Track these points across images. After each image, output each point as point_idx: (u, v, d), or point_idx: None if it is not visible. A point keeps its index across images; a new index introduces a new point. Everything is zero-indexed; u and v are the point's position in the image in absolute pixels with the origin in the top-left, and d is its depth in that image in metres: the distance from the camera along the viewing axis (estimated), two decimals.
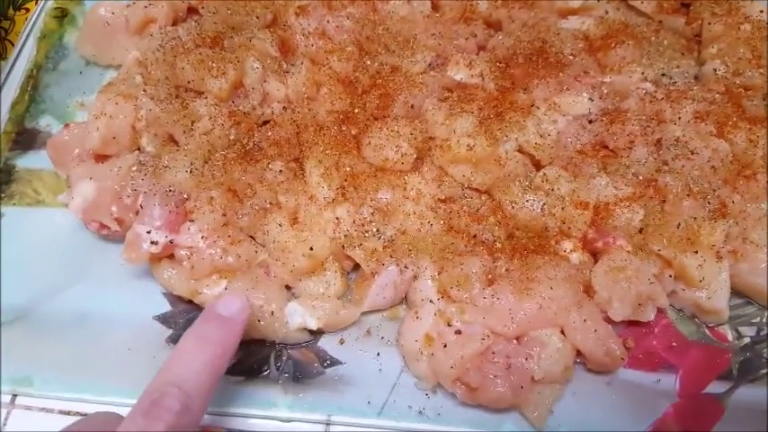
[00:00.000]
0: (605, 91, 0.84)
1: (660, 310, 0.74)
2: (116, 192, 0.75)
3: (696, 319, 0.75)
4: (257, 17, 0.90)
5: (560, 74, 0.83)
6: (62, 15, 1.00)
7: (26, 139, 0.88)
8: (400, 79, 0.84)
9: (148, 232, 0.72)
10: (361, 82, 0.85)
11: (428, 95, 0.84)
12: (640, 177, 0.78)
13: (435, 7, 0.93)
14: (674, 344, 0.73)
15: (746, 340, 0.74)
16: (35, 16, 1.00)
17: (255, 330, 0.70)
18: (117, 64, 0.93)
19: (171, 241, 0.72)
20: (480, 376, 0.65)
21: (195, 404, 0.55)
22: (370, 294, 0.71)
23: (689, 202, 0.75)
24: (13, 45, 0.99)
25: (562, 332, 0.69)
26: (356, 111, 0.83)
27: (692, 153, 0.79)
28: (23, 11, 1.07)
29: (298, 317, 0.70)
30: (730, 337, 0.74)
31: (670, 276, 0.73)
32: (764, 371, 0.72)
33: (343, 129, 0.82)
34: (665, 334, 0.74)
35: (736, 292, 0.75)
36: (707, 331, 0.74)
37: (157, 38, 0.88)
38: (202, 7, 0.92)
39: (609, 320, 0.71)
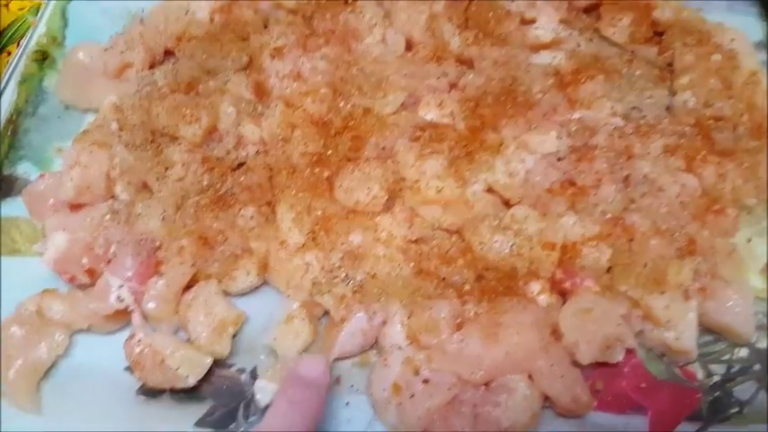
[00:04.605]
0: (574, 128, 0.84)
1: (630, 350, 0.74)
2: (87, 243, 0.76)
3: (665, 358, 0.75)
4: (233, 60, 0.91)
5: (528, 112, 0.83)
6: (42, 59, 1.02)
7: (4, 186, 0.89)
8: (372, 121, 0.85)
9: (120, 286, 0.73)
10: (335, 124, 0.86)
11: (400, 136, 0.85)
12: (608, 216, 0.78)
13: (409, 46, 0.94)
14: (643, 384, 0.73)
15: (716, 378, 0.74)
16: (16, 59, 1.02)
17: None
18: (96, 108, 0.94)
19: (135, 300, 0.73)
20: (447, 427, 0.66)
21: None
22: (338, 342, 0.72)
23: (656, 241, 0.76)
24: None
25: (531, 377, 0.70)
26: (329, 153, 0.84)
27: (660, 190, 0.79)
28: (5, 54, 1.09)
29: (268, 394, 0.70)
30: (700, 376, 0.74)
31: (638, 317, 0.73)
32: (734, 410, 0.72)
33: (316, 171, 0.83)
34: (634, 374, 0.74)
35: (706, 329, 0.76)
36: (676, 370, 0.75)
37: (134, 82, 0.90)
38: (179, 50, 0.93)
39: (578, 363, 0.72)
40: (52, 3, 1.03)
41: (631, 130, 0.85)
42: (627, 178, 0.81)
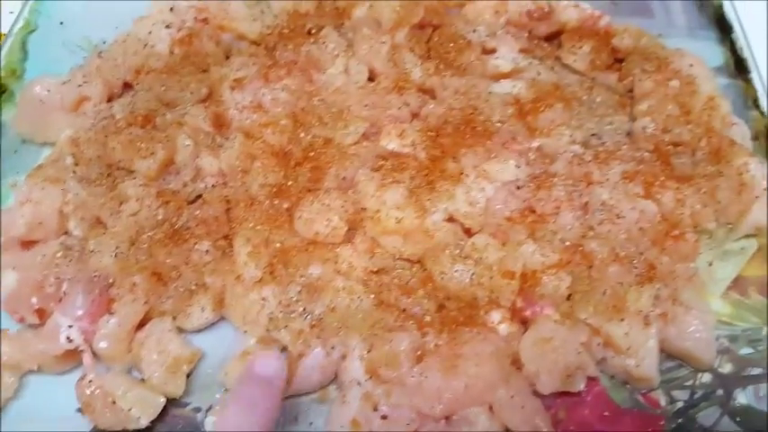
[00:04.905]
0: (532, 156, 0.84)
1: (593, 378, 0.74)
2: (37, 282, 0.74)
3: (628, 386, 0.75)
4: (191, 92, 0.90)
5: (488, 142, 0.84)
6: (0, 92, 1.00)
7: None
8: (332, 151, 0.85)
9: (70, 326, 0.72)
10: (295, 154, 0.86)
11: (361, 166, 0.84)
12: (567, 243, 0.78)
13: (372, 76, 0.94)
14: (606, 413, 0.73)
15: (679, 405, 0.74)
16: None
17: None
18: (53, 142, 0.92)
19: (85, 339, 0.72)
20: None
21: None
22: (295, 379, 0.70)
23: (615, 268, 0.76)
24: None
25: (492, 408, 0.69)
26: (289, 183, 0.83)
27: (618, 217, 0.79)
28: None
29: None
30: (663, 403, 0.74)
31: (598, 344, 0.73)
32: None
33: (276, 202, 0.82)
34: (597, 402, 0.73)
35: (668, 355, 0.76)
36: (639, 397, 0.74)
37: (90, 116, 0.89)
38: (137, 83, 0.93)
39: (539, 392, 0.71)
40: (13, 34, 1.02)
41: (590, 157, 0.85)
42: (585, 205, 0.81)
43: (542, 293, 0.75)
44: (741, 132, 0.93)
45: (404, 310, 0.75)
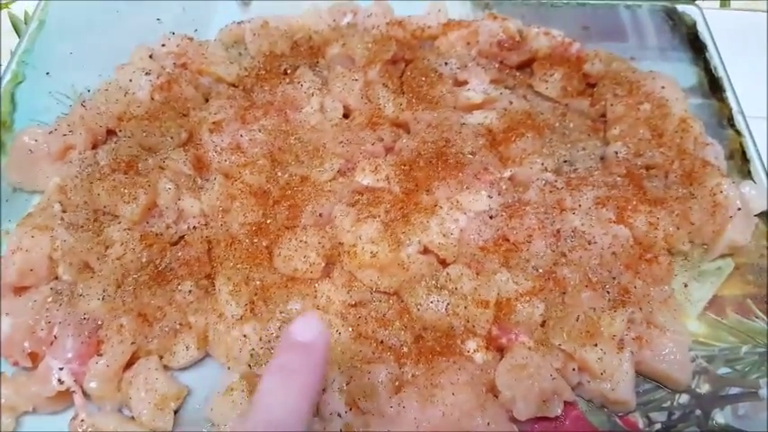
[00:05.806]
0: (504, 186, 0.86)
1: (570, 402, 0.74)
2: (30, 326, 0.77)
3: (606, 409, 0.76)
4: (171, 137, 0.93)
5: (460, 174, 0.86)
6: None
7: None
8: (309, 189, 0.87)
9: (61, 369, 0.74)
10: (273, 193, 0.88)
11: (337, 202, 0.86)
12: (540, 270, 0.80)
13: (346, 113, 0.97)
14: None
15: (657, 426, 0.74)
16: None
17: None
18: (42, 189, 0.95)
19: (76, 381, 0.74)
20: None
21: None
22: None
23: (588, 294, 0.77)
24: None
25: None
26: (268, 222, 0.86)
27: (590, 243, 0.81)
28: None
29: None
30: (641, 425, 0.75)
31: (574, 369, 0.74)
32: None
33: (255, 241, 0.84)
34: (575, 427, 0.74)
35: (644, 377, 0.77)
36: (617, 420, 0.75)
37: (76, 164, 0.91)
38: (120, 130, 0.95)
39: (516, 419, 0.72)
40: (1, 88, 1.05)
41: (562, 183, 0.87)
42: (558, 232, 0.82)
43: (517, 321, 0.76)
44: (715, 152, 0.94)
45: (381, 342, 0.76)
